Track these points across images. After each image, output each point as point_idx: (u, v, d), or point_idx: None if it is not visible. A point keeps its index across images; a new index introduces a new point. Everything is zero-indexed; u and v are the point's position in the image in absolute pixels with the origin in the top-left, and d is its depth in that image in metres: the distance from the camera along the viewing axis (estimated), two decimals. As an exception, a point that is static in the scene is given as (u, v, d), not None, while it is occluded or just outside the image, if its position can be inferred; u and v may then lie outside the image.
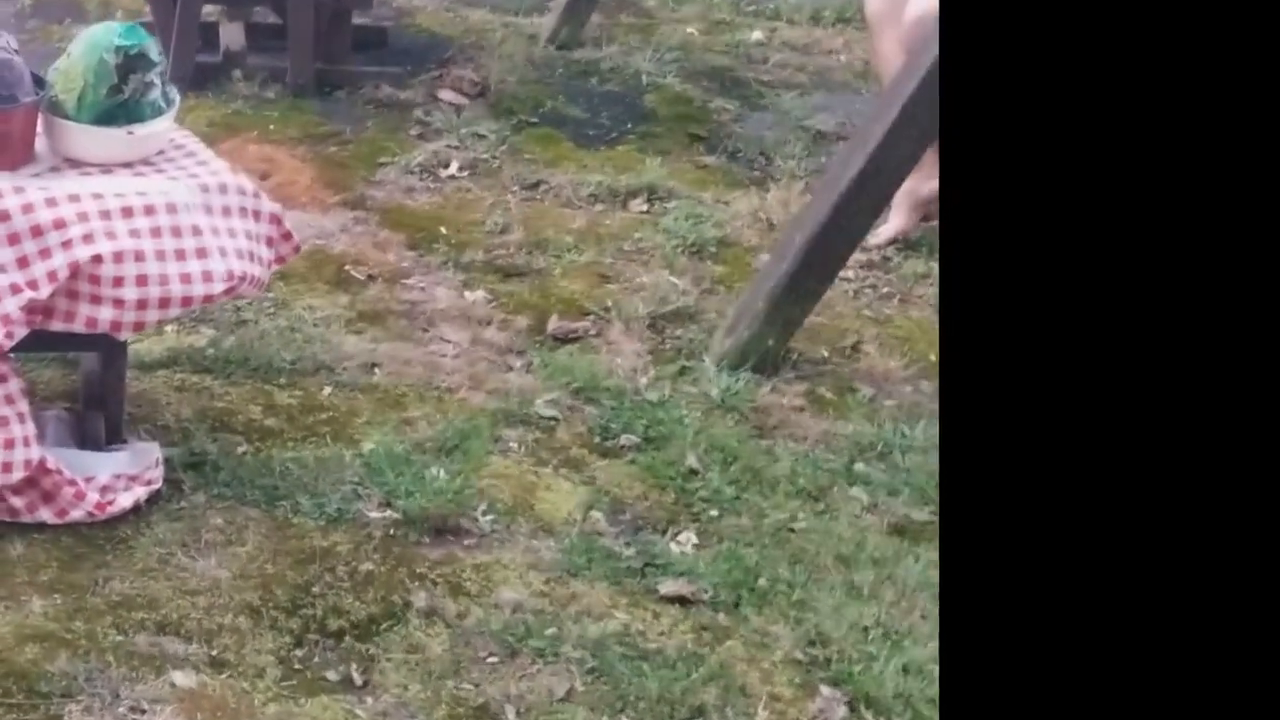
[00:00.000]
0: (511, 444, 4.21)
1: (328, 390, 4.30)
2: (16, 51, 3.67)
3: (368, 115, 6.06)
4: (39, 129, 3.70)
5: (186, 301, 3.59)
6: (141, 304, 3.53)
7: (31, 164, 3.67)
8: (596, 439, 4.29)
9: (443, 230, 5.15)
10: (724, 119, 6.35)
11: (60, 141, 3.69)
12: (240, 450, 4.02)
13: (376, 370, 4.42)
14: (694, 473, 4.20)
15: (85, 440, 3.85)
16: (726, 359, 4.60)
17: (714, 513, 4.05)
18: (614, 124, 6.21)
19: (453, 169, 5.54)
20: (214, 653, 3.41)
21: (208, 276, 3.60)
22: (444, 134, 5.79)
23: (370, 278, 4.86)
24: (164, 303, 3.56)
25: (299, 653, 3.46)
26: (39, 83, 3.68)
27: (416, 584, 3.67)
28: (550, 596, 3.71)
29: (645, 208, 5.43)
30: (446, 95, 6.12)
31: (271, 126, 5.80)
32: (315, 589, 3.61)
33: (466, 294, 4.82)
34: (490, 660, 3.51)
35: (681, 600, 3.76)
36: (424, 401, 4.32)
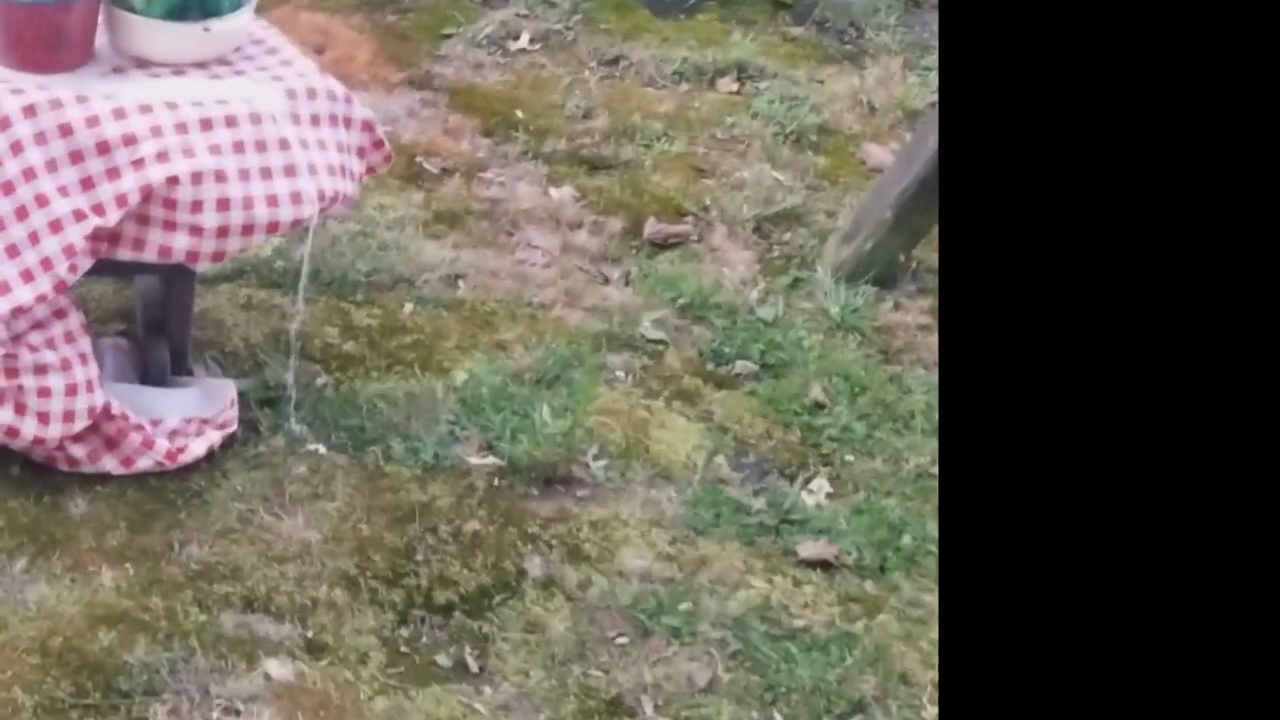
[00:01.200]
0: (618, 372, 3.77)
1: (409, 308, 3.86)
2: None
3: (426, -23, 5.50)
4: (100, 23, 3.20)
5: (273, 227, 3.13)
6: (222, 231, 3.08)
7: (92, 64, 3.17)
8: (709, 365, 3.86)
9: (519, 114, 4.66)
10: (806, -17, 5.81)
11: (125, 38, 3.20)
12: (320, 382, 3.58)
13: (460, 283, 3.97)
14: (819, 406, 3.77)
15: (148, 373, 3.41)
16: (843, 269, 4.16)
17: (848, 456, 3.63)
18: (690, -13, 5.68)
19: (523, 41, 5.03)
20: (310, 634, 3.01)
21: (296, 197, 3.14)
22: (511, 0, 5.26)
23: (444, 171, 4.39)
24: (247, 229, 3.10)
25: (404, 632, 3.06)
26: (98, -32, 3.18)
27: (529, 547, 3.26)
28: (678, 560, 3.30)
29: (735, 88, 4.94)
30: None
31: (322, -11, 5.27)
32: (417, 554, 3.20)
33: (552, 191, 4.35)
34: (620, 641, 3.11)
35: (823, 564, 3.35)
36: (516, 321, 3.87)
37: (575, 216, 4.25)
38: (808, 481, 3.59)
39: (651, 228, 4.25)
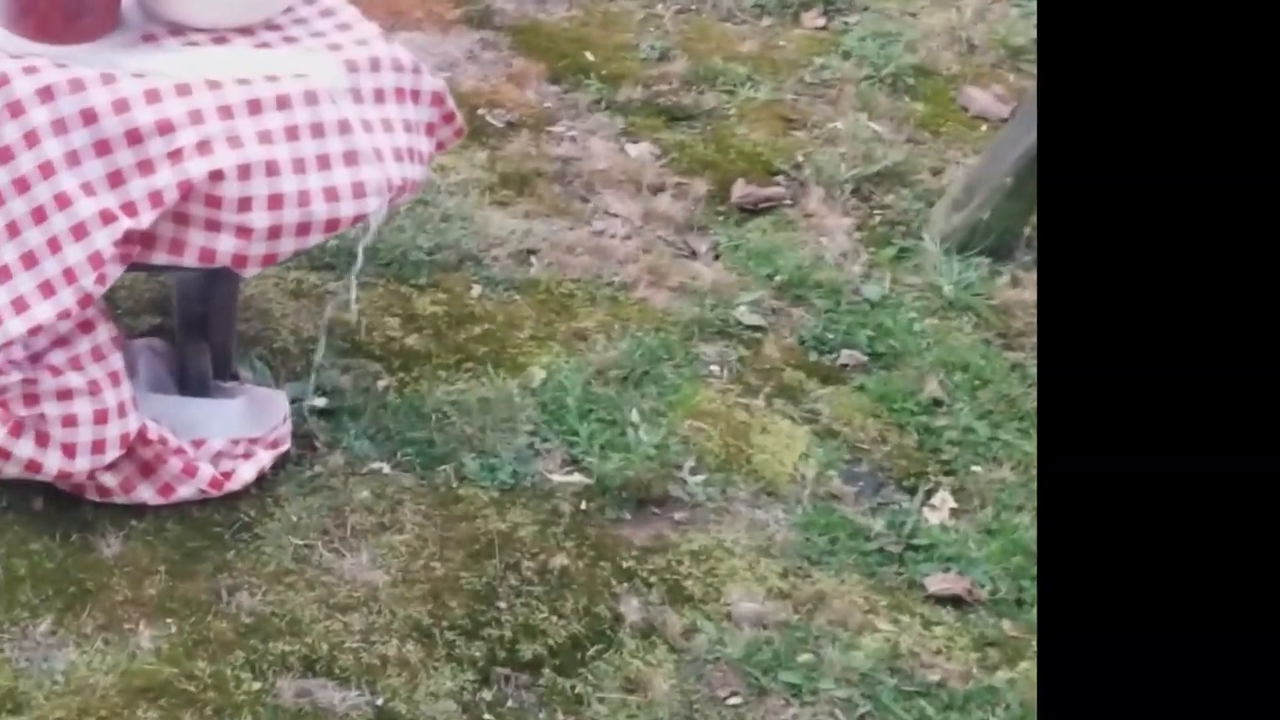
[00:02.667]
0: (712, 366, 3.28)
1: (477, 291, 3.35)
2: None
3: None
4: (128, -17, 2.69)
5: (332, 225, 2.63)
6: (274, 231, 2.57)
7: (117, 32, 2.65)
8: (812, 355, 3.36)
9: (589, 57, 4.13)
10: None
11: (157, 0, 2.67)
12: (381, 385, 3.08)
13: (533, 260, 3.46)
14: (937, 404, 3.27)
15: (187, 380, 2.91)
16: (953, 239, 3.65)
17: (976, 468, 3.13)
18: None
19: (589, -30, 4.48)
20: (380, 701, 2.55)
21: (359, 189, 2.63)
22: (573, -77, 4.70)
23: (510, 125, 3.86)
24: (303, 229, 2.60)
25: (486, 695, 2.60)
26: (126, -82, 2.64)
27: (625, 586, 2.79)
28: (792, 598, 2.82)
29: (822, 23, 4.40)
30: None
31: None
32: (499, 598, 2.72)
33: (629, 148, 3.82)
34: (732, 702, 2.66)
35: (955, 600, 2.86)
36: (596, 304, 3.37)
37: (656, 178, 3.73)
38: (929, 495, 3.10)
39: (740, 191, 3.73)
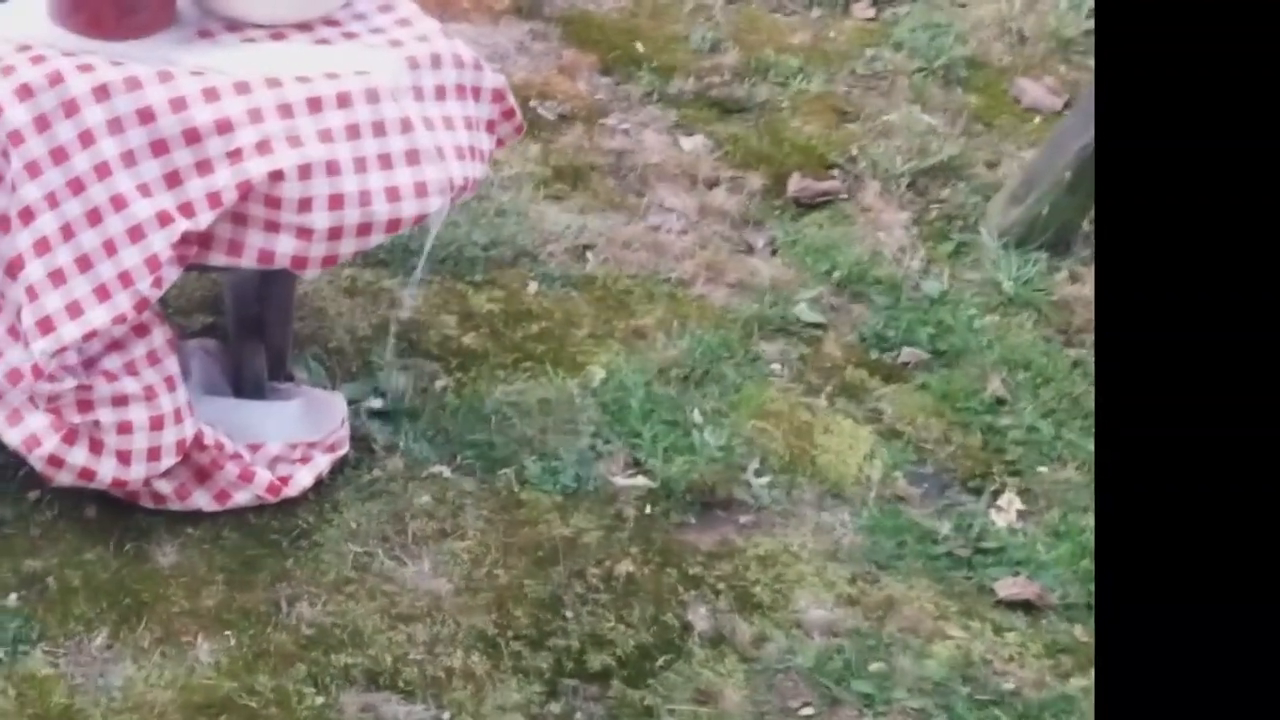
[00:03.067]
0: (773, 365, 3.15)
1: (534, 288, 3.22)
2: None
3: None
4: (183, -23, 2.55)
5: (394, 225, 2.50)
6: (335, 232, 2.44)
7: (173, 28, 2.52)
8: (873, 352, 3.22)
9: (639, 48, 3.99)
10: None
11: (213, -4, 2.55)
12: (439, 385, 2.95)
13: (589, 255, 3.33)
14: (1000, 402, 3.13)
15: (242, 382, 2.79)
16: (1011, 233, 3.51)
17: (1041, 468, 3.00)
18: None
19: (638, -40, 4.33)
20: (446, 715, 2.44)
21: (421, 189, 2.50)
22: (622, -89, 4.54)
23: (562, 118, 3.72)
24: (364, 229, 2.47)
25: (555, 707, 2.48)
26: (181, -89, 2.51)
27: (693, 593, 2.66)
28: (862, 605, 2.69)
29: (872, 13, 4.26)
30: None
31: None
32: (564, 606, 2.59)
33: (683, 140, 3.68)
34: (805, 713, 2.53)
35: (1025, 605, 2.73)
36: (654, 301, 3.24)
37: (711, 172, 3.60)
38: (995, 497, 2.97)
39: (796, 184, 3.59)
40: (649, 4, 4.17)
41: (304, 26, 2.59)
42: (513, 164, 3.52)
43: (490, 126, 2.72)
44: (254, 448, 2.67)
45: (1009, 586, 2.79)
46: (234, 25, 2.57)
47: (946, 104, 3.94)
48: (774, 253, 3.43)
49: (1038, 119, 3.95)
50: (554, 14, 4.08)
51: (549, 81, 3.81)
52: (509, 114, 2.76)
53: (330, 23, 2.61)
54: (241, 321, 2.83)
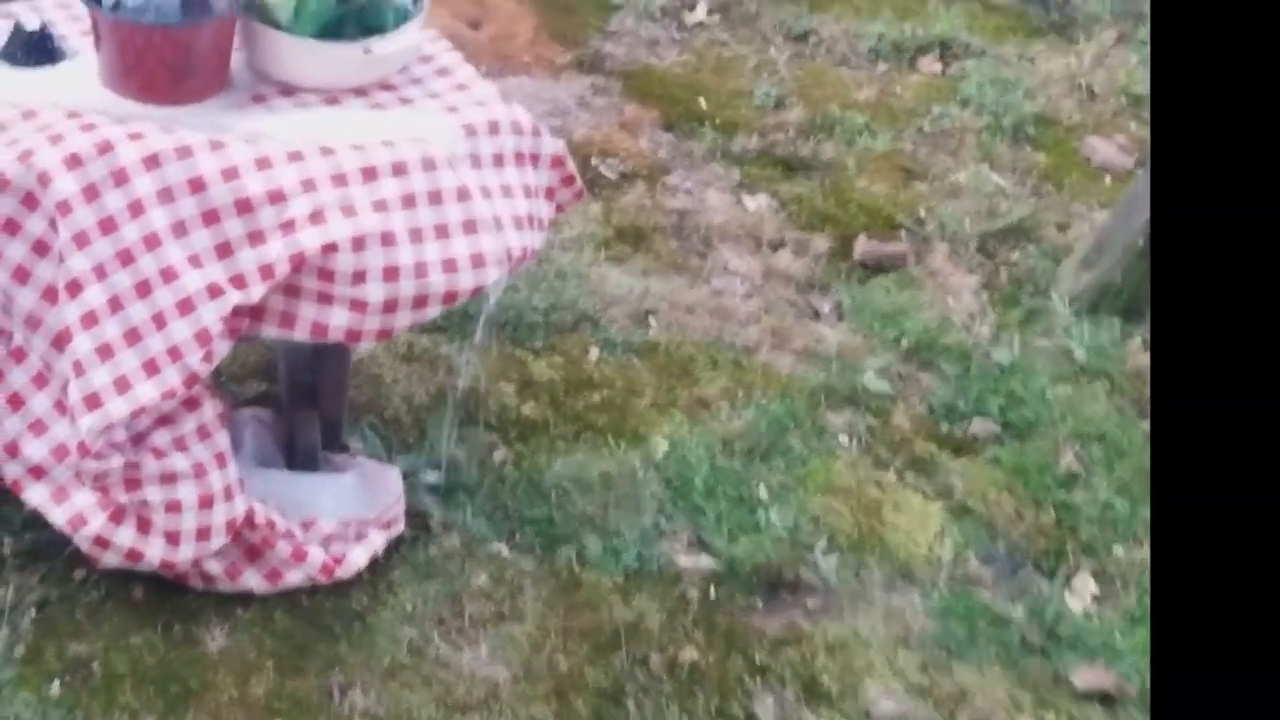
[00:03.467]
0: (841, 436, 2.98)
1: (595, 354, 3.07)
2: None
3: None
4: (237, 39, 2.41)
5: (450, 297, 2.35)
6: (390, 305, 2.29)
7: (226, 92, 2.38)
8: (943, 424, 3.05)
9: (702, 104, 3.84)
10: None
11: (268, 59, 2.41)
12: (498, 458, 2.80)
13: (651, 320, 3.18)
14: (1073, 477, 2.96)
15: (295, 453, 2.64)
16: (1083, 299, 3.34)
17: (1116, 548, 2.82)
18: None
19: (700, 13, 4.19)
20: (501, 813, 2.24)
21: (478, 260, 2.35)
22: (684, -37, 4.41)
23: (624, 176, 3.57)
24: (420, 301, 2.32)
25: (616, 807, 2.29)
26: (236, -28, 2.37)
27: (758, 682, 2.49)
28: (934, 695, 2.53)
29: (938, 68, 4.10)
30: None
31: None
32: (627, 696, 2.43)
33: (746, 200, 3.53)
34: (874, 813, 2.33)
35: (1103, 696, 2.55)
36: (718, 369, 3.08)
37: (775, 233, 3.44)
38: (1069, 579, 2.79)
39: (862, 247, 3.43)
40: (712, 58, 4.03)
41: (359, 91, 2.45)
42: (574, 224, 3.37)
43: (549, 193, 2.58)
44: (307, 525, 2.52)
45: (1085, 676, 2.62)
46: (288, 90, 2.43)
47: (1015, 162, 3.78)
48: (840, 318, 3.27)
49: (1108, 179, 3.79)
50: (615, 68, 3.94)
51: (610, 139, 3.66)
52: (568, 180, 2.62)
53: (386, 87, 2.47)
54: (295, 390, 2.69)
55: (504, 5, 4.05)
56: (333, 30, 2.40)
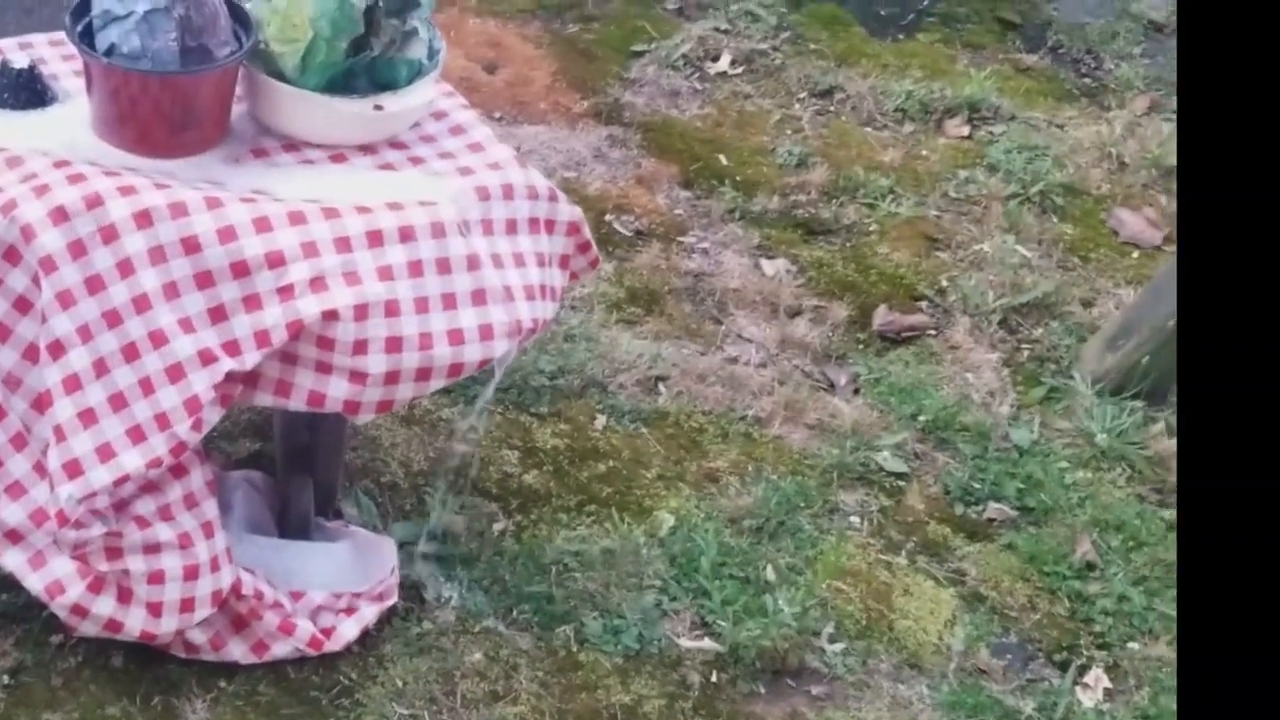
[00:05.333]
0: (852, 517, 2.88)
1: (601, 422, 2.97)
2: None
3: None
4: (239, 90, 2.32)
5: (455, 371, 2.26)
6: (391, 377, 2.20)
7: (225, 144, 2.29)
8: (957, 506, 2.95)
9: (723, 160, 3.74)
10: (1033, -4, 4.81)
11: (271, 112, 2.33)
12: (497, 529, 2.70)
13: (661, 388, 3.08)
14: (1089, 567, 2.86)
15: (287, 520, 2.55)
16: (1106, 380, 3.23)
17: (1131, 643, 2.72)
18: (907, -2, 4.69)
19: (724, 64, 4.09)
20: None
21: (486, 332, 2.26)
22: (709, 10, 4.29)
23: (639, 234, 3.47)
24: (423, 374, 2.23)
25: None
26: (240, 22, 2.27)
27: (757, 776, 2.38)
28: (939, 796, 2.40)
29: (966, 131, 4.00)
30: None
31: (494, -10, 4.32)
32: (619, 788, 2.31)
33: (764, 264, 3.43)
34: None
35: (1116, 801, 2.46)
36: (728, 441, 2.98)
37: (793, 299, 3.34)
38: (1082, 673, 2.70)
39: (882, 318, 3.34)
40: (734, 112, 3.93)
41: (367, 149, 2.35)
42: (585, 284, 3.28)
43: (564, 262, 2.49)
44: (296, 596, 2.43)
45: (1098, 781, 2.52)
46: (291, 144, 2.34)
47: (1041, 233, 3.68)
48: (856, 391, 3.17)
49: (1136, 253, 3.68)
50: (634, 119, 3.84)
51: (626, 194, 3.57)
52: (584, 247, 2.53)
53: (396, 145, 2.38)
54: (290, 453, 2.60)
55: (521, 48, 3.96)
56: (341, 84, 2.31)
